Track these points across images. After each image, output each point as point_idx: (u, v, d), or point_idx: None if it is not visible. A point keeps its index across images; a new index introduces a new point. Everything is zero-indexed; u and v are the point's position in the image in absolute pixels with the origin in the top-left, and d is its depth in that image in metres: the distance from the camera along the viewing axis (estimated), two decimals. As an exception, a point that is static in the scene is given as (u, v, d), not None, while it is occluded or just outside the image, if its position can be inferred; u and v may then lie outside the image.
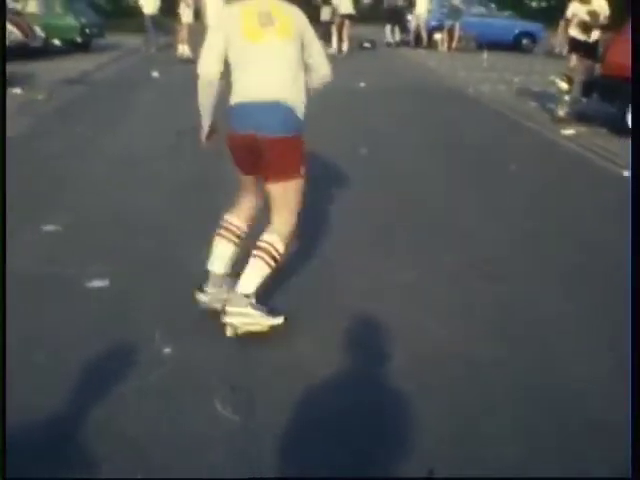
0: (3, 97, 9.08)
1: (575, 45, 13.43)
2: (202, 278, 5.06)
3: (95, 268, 5.82)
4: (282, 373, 4.35)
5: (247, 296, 4.73)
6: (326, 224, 7.09)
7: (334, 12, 26.67)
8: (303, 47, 4.72)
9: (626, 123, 12.01)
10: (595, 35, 13.20)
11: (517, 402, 4.11)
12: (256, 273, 4.73)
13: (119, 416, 3.88)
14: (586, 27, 13.15)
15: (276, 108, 4.59)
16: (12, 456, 3.10)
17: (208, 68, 4.71)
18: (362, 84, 17.27)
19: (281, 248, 4.75)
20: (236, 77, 4.70)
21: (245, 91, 4.66)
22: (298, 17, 4.78)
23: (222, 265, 5.05)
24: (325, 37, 29.63)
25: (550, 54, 27.01)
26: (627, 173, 9.52)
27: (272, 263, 4.73)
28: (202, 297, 5.09)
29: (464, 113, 13.80)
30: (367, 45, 28.07)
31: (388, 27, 30.18)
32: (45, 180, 8.51)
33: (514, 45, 29.92)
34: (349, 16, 26.33)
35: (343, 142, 10.70)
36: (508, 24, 31.10)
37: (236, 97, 4.69)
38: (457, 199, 8.20)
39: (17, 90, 15.18)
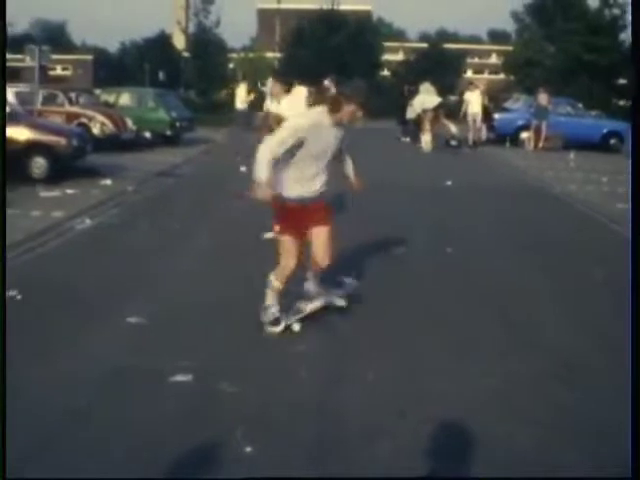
0: (3, 105, 9.18)
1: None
2: (287, 374, 4.97)
3: (178, 362, 5.77)
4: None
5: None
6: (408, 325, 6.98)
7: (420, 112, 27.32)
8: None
9: None
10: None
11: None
12: None
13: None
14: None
15: None
16: None
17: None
18: (449, 182, 17.23)
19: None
20: None
21: None
22: None
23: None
24: (408, 134, 30.10)
25: (639, 154, 26.76)
26: None
27: None
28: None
29: (551, 214, 13.60)
30: (454, 143, 28.05)
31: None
32: (130, 271, 8.57)
33: (602, 145, 29.66)
34: (438, 107, 26.83)
35: (429, 241, 10.63)
36: (595, 123, 30.96)
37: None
38: (539, 305, 8.01)
39: (107, 181, 15.53)
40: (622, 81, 56.20)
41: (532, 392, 5.63)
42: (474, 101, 29.03)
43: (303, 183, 6.43)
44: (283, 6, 71.16)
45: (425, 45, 72.90)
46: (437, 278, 8.77)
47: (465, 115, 29.43)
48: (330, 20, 58.15)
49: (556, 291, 8.64)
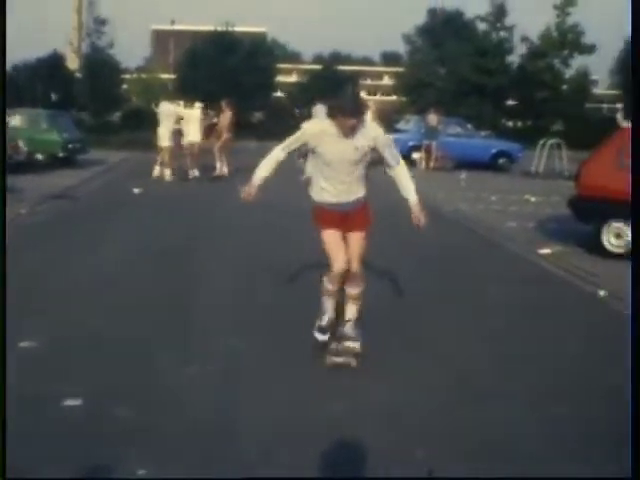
0: (3, 108, 9.11)
1: None
2: (169, 403, 5.02)
3: (68, 387, 5.78)
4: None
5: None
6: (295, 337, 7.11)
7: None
8: None
9: (601, 242, 12.22)
10: None
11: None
12: None
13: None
14: None
15: None
16: None
17: None
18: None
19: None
20: None
21: None
22: None
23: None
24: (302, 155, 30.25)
25: (526, 174, 27.58)
26: (602, 293, 9.64)
27: None
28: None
29: (443, 233, 13.89)
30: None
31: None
32: (22, 295, 8.44)
33: (491, 164, 30.39)
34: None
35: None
36: (485, 144, 31.71)
37: None
38: (436, 320, 8.24)
39: (-1, 204, 15.26)
40: (510, 102, 57.85)
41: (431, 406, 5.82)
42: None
43: (329, 190, 6.53)
44: (177, 27, 71.06)
45: (319, 67, 73.51)
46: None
47: None
48: (224, 41, 58.34)
49: (450, 303, 8.88)
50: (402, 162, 6.69)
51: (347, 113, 6.12)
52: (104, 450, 4.82)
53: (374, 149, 6.46)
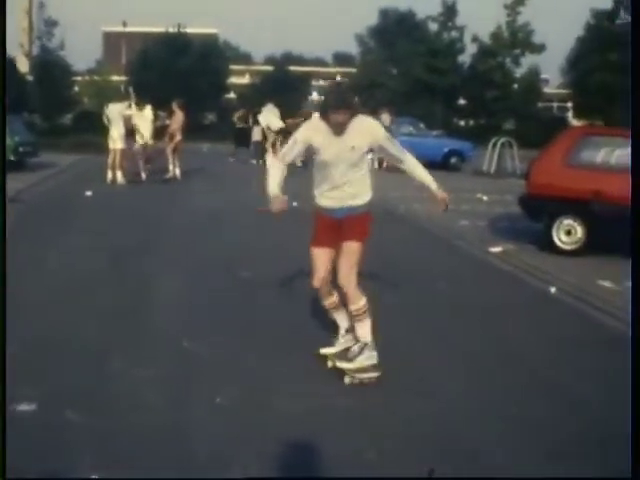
0: (3, 109, 9.00)
1: None
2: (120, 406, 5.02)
3: (23, 391, 5.73)
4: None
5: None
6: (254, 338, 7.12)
7: (264, 131, 27.52)
8: None
9: (552, 240, 12.37)
10: None
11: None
12: None
13: None
14: None
15: None
16: None
17: None
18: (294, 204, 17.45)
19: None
20: None
21: None
22: None
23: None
24: (257, 156, 30.32)
25: (478, 173, 27.80)
26: (553, 289, 9.76)
27: None
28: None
29: (396, 232, 13.96)
30: (299, 165, 28.51)
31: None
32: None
33: (443, 163, 30.51)
34: (282, 132, 26.84)
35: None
36: (437, 143, 31.90)
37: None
38: (381, 317, 8.28)
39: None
40: (462, 101, 58.26)
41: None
42: None
43: (324, 194, 6.28)
44: (129, 29, 70.53)
45: (271, 68, 73.43)
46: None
47: None
48: (176, 43, 58.01)
49: (403, 302, 8.91)
50: (409, 154, 6.49)
51: (332, 107, 5.94)
52: (57, 454, 4.79)
53: (376, 148, 6.34)
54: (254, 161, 30.56)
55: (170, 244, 12.38)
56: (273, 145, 26.73)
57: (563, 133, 13.44)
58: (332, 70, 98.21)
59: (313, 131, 6.17)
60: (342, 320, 6.60)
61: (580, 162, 12.41)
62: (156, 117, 24.64)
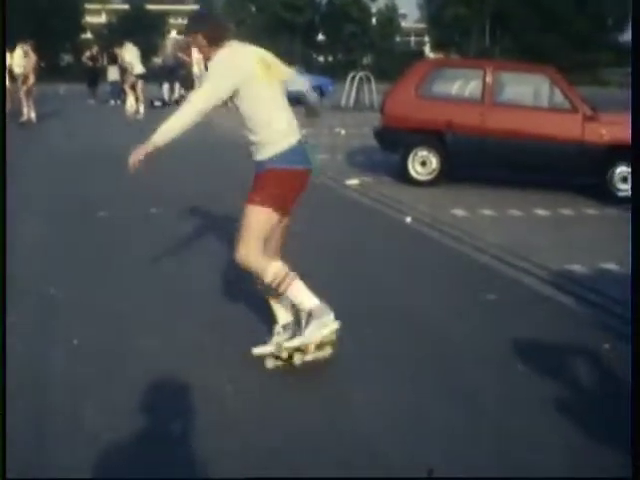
0: (3, 105, 8.54)
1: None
2: None
3: None
4: None
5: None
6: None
7: (124, 72, 26.80)
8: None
9: (408, 171, 12.56)
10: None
11: None
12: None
13: None
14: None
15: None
16: None
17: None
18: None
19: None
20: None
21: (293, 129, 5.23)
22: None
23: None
24: (115, 96, 29.61)
25: (337, 107, 27.94)
26: (409, 219, 9.94)
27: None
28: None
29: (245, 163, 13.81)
30: (158, 104, 28.13)
31: (166, 85, 29.92)
32: None
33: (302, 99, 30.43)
34: (142, 76, 26.18)
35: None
36: (297, 79, 31.79)
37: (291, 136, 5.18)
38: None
39: None
40: (320, 38, 58.38)
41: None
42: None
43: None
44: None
45: (127, 7, 71.71)
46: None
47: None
48: (28, -19, 55.91)
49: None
50: (195, 95, 5.29)
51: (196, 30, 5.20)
52: None
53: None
54: (112, 102, 29.78)
55: (27, 190, 12.01)
56: (132, 87, 26.02)
57: (415, 65, 13.59)
58: (191, 8, 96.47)
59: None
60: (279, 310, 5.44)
61: (432, 93, 12.60)
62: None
